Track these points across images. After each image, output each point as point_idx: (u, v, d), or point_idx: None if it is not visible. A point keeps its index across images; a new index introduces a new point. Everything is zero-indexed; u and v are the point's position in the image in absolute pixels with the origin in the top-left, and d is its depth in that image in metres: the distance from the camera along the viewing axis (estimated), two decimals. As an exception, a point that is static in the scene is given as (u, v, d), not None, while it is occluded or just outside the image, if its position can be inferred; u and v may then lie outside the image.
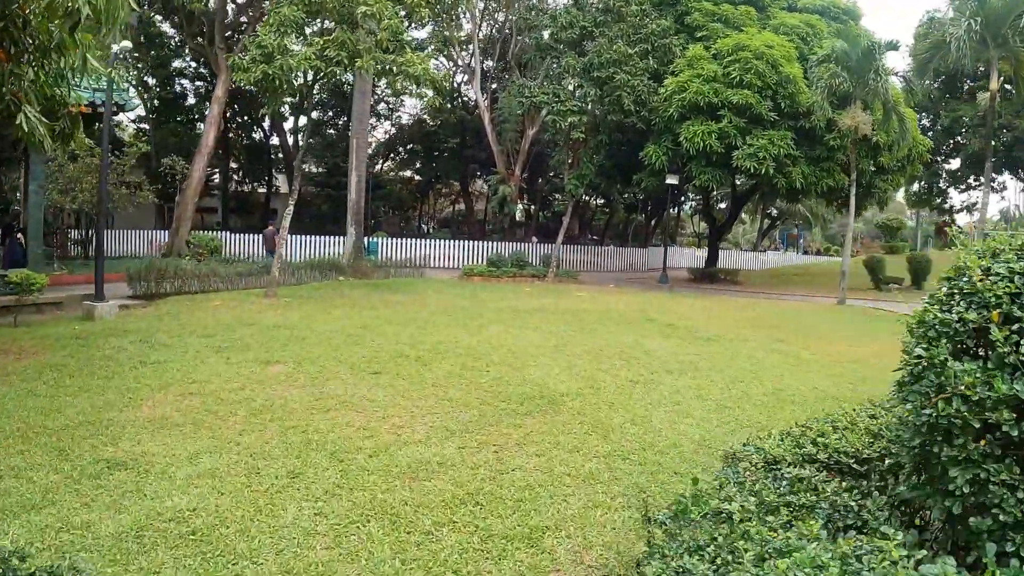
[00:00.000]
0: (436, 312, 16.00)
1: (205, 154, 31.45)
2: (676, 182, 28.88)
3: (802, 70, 26.41)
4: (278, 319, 13.94)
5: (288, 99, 24.97)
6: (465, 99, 52.10)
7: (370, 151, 57.97)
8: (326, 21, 19.25)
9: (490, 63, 46.97)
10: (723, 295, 26.46)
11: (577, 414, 7.67)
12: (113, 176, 25.64)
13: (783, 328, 15.64)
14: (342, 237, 30.99)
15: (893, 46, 23.93)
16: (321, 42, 17.13)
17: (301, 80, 19.64)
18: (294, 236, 34.78)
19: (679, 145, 26.50)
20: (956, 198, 49.22)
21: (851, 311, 21.62)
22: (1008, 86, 36.85)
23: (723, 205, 50.87)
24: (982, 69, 37.47)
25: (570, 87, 30.21)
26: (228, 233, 35.66)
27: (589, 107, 29.53)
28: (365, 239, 34.18)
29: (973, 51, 17.29)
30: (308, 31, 19.65)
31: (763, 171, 25.34)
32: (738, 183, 38.07)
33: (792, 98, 26.07)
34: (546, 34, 32.02)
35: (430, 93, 19.66)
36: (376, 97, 54.42)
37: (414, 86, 17.65)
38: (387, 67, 17.37)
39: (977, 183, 47.39)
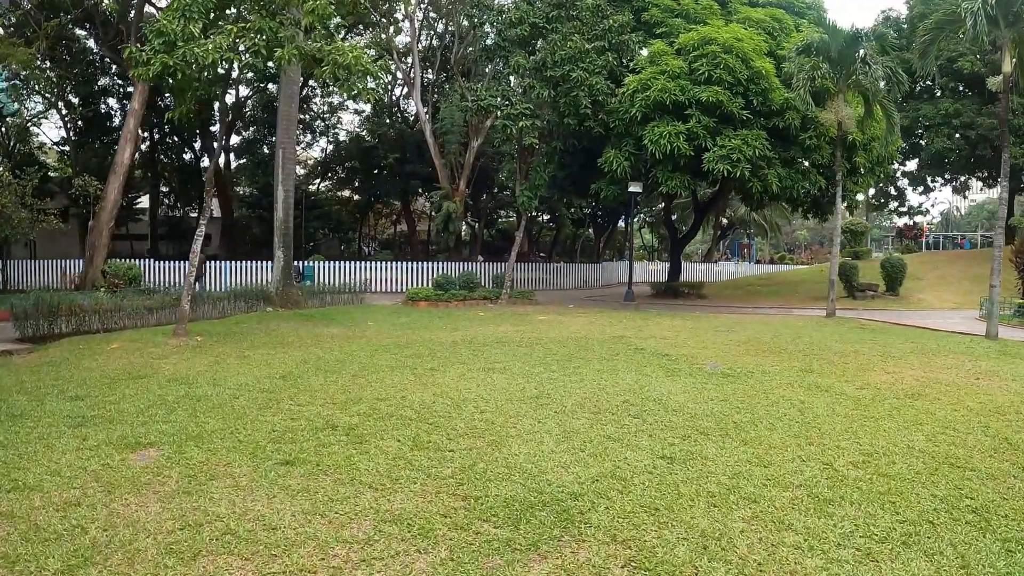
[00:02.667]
0: (377, 350, 13.05)
1: (120, 174, 28.16)
2: (639, 190, 26.30)
3: (773, 66, 24.22)
4: (178, 369, 10.89)
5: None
6: (406, 114, 49.36)
7: (305, 170, 55.03)
8: (243, 10, 16.24)
9: (431, 76, 44.34)
10: (697, 311, 23.96)
11: (610, 539, 4.74)
12: (10, 196, 22.52)
13: (795, 353, 13.05)
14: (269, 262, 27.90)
15: (880, 35, 21.84)
16: (235, 29, 14.14)
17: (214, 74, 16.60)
18: (218, 262, 31.57)
19: (642, 149, 24.04)
20: (913, 200, 48.12)
21: (845, 325, 19.25)
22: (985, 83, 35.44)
23: (674, 216, 48.89)
24: (941, 63, 36.10)
25: (520, 90, 27.57)
26: (152, 261, 32.28)
27: (542, 111, 26.89)
28: (301, 263, 31.24)
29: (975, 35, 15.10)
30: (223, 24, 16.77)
31: (737, 174, 22.97)
32: (699, 191, 35.93)
33: (765, 95, 23.86)
34: (492, 33, 29.37)
35: (369, 85, 16.74)
36: (312, 113, 51.53)
37: (345, 76, 14.71)
38: (313, 56, 14.50)
39: (934, 184, 46.22)
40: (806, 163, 25.11)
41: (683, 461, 6.37)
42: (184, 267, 30.25)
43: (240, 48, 14.73)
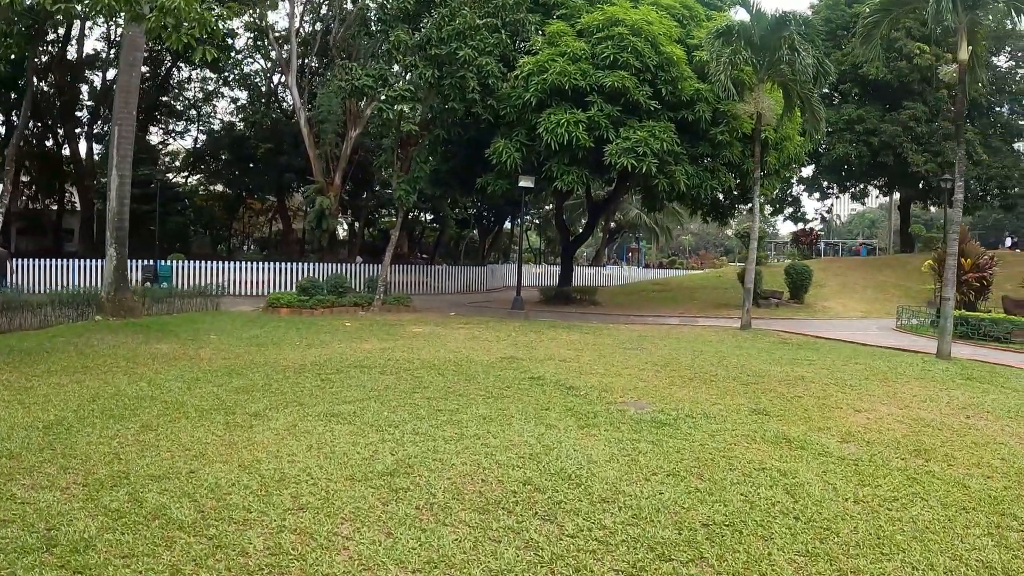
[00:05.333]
0: (200, 379, 9.79)
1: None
2: (531, 185, 23.33)
3: (684, 53, 21.92)
4: None
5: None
6: (285, 103, 45.26)
7: (168, 159, 50.03)
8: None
9: (313, 63, 40.55)
10: (594, 321, 21.33)
11: None
12: None
13: (731, 383, 10.46)
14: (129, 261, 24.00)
15: (807, 20, 19.83)
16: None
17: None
18: (40, 260, 26.99)
19: (536, 139, 21.27)
20: (809, 205, 47.57)
21: (765, 339, 17.01)
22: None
23: (564, 217, 46.75)
24: (846, 69, 35.11)
25: (402, 71, 24.32)
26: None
27: (426, 95, 23.79)
28: (157, 263, 27.25)
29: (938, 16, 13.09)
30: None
31: (643, 169, 20.47)
32: (595, 190, 33.48)
33: (675, 84, 21.52)
34: (375, 7, 26.04)
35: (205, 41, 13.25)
36: (184, 100, 46.75)
37: (173, 25, 11.29)
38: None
39: (830, 190, 45.62)
40: (716, 160, 22.88)
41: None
42: (46, 264, 26.03)
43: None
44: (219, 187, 50.51)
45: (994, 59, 38.10)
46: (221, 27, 14.73)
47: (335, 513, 5.07)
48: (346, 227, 49.66)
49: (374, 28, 25.75)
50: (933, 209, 54.97)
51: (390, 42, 22.79)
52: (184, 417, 7.66)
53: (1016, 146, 41.30)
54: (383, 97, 22.18)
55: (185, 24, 11.65)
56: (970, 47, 13.75)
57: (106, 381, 9.59)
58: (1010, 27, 36.85)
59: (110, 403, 8.23)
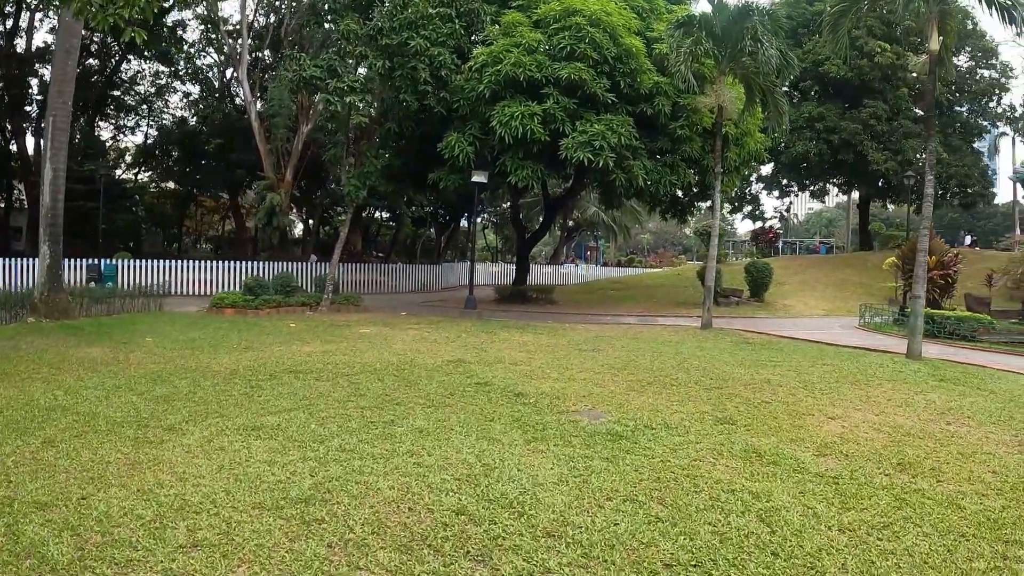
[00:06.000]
0: (121, 387, 9.00)
1: None
2: (484, 180, 22.40)
3: (644, 45, 21.26)
4: None
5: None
6: (239, 99, 43.77)
7: (127, 157, 48.26)
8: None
9: (267, 57, 39.24)
10: (550, 321, 20.55)
11: None
12: None
13: (693, 387, 9.75)
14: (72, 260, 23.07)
15: (772, 12, 19.25)
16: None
17: None
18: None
19: (490, 133, 20.47)
20: (768, 204, 47.44)
21: (727, 339, 16.38)
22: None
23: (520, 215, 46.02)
24: (807, 67, 34.83)
25: (352, 62, 23.29)
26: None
27: (378, 87, 22.80)
28: (103, 262, 25.94)
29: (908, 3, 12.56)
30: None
31: (600, 164, 19.74)
32: (551, 186, 32.71)
33: (633, 76, 20.88)
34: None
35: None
36: (137, 95, 44.99)
37: (99, 5, 10.23)
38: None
39: (790, 188, 45.48)
40: (676, 155, 22.25)
41: None
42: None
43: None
44: (171, 184, 48.88)
45: (954, 59, 38.16)
46: (151, 7, 13.67)
47: (232, 553, 4.22)
48: (301, 225, 48.44)
49: (326, 18, 24.76)
50: (891, 207, 55.25)
51: (339, 32, 21.82)
52: (92, 431, 6.80)
53: (976, 145, 41.51)
54: (331, 88, 21.18)
55: (112, 5, 10.62)
56: (941, 38, 13.21)
57: (21, 389, 8.68)
58: (970, 27, 37.05)
59: (18, 415, 7.39)
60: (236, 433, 6.83)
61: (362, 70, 23.91)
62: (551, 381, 9.87)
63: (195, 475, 5.59)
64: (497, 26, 22.20)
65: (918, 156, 34.76)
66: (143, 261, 27.27)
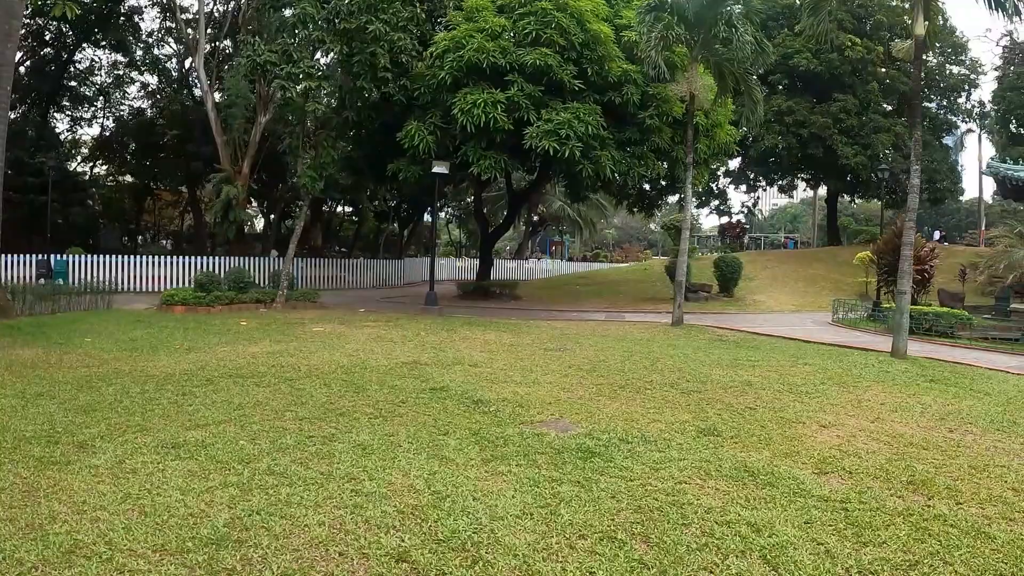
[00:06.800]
0: (44, 393, 8.11)
1: None
2: (445, 171, 21.31)
3: (612, 31, 20.48)
4: None
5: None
6: (197, 90, 42.14)
7: (84, 149, 46.47)
8: None
9: (227, 46, 37.78)
10: (514, 318, 19.68)
11: None
12: None
13: (670, 391, 8.98)
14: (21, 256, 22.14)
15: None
16: None
17: None
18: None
19: (452, 122, 19.57)
20: (735, 199, 47.08)
21: (700, 336, 15.71)
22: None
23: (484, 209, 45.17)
24: (777, 60, 34.29)
25: (310, 48, 22.21)
26: None
27: (336, 75, 21.78)
28: (53, 257, 24.70)
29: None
30: None
31: (566, 154, 18.93)
32: (515, 178, 31.85)
33: (601, 64, 20.12)
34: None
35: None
36: (94, 85, 43.16)
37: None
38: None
39: (758, 182, 45.12)
40: (645, 146, 21.51)
41: None
42: None
43: None
44: (128, 178, 47.23)
45: (924, 55, 38.05)
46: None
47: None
48: (262, 220, 47.14)
49: (284, 2, 23.67)
50: (859, 202, 55.17)
51: (295, 15, 20.77)
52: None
53: (945, 140, 41.42)
54: (285, 73, 20.14)
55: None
56: (926, 22, 12.57)
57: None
58: (941, 23, 36.82)
59: None
60: (153, 452, 5.89)
61: (321, 57, 22.91)
62: (514, 385, 9.03)
63: (96, 506, 4.67)
64: (460, 11, 21.28)
65: (887, 151, 34.47)
66: (95, 257, 25.99)
